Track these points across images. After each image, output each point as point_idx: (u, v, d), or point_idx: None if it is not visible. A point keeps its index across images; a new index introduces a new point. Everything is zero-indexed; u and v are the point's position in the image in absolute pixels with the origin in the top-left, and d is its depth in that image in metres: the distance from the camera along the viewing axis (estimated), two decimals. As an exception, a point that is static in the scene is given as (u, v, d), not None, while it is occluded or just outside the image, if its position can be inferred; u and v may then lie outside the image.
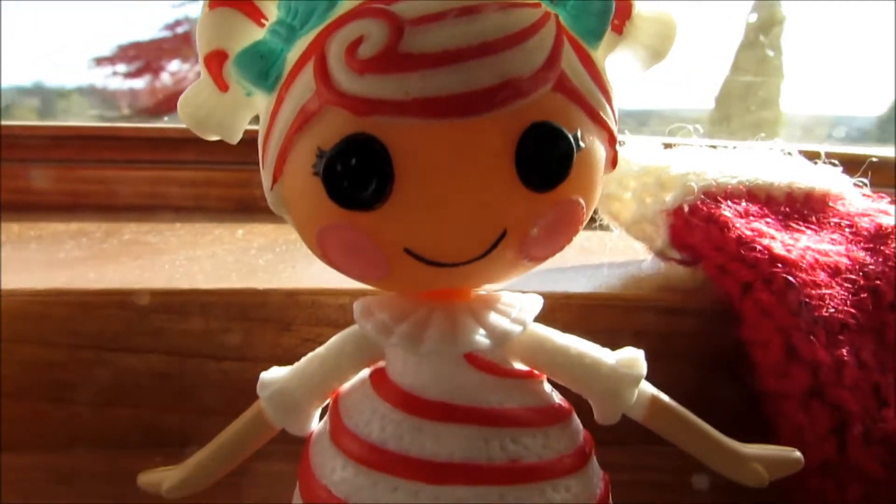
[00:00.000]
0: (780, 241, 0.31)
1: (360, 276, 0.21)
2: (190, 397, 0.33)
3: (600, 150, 0.20)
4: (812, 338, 0.28)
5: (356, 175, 0.18)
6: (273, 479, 0.28)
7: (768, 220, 0.33)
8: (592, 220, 0.21)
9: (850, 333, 0.29)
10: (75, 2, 0.63)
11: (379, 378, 0.22)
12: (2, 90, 0.60)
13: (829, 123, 0.68)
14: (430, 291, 0.22)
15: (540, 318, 0.22)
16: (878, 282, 0.31)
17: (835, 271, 0.30)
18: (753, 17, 0.66)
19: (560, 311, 0.32)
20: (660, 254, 0.35)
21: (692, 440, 0.23)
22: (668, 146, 0.37)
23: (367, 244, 0.19)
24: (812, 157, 0.37)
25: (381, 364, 0.23)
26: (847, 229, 0.34)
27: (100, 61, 0.69)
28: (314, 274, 0.32)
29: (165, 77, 0.72)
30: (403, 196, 0.18)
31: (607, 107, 0.20)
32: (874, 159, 0.38)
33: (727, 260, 0.30)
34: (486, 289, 0.22)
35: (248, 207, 0.50)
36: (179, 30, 0.71)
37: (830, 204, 0.35)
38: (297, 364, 0.24)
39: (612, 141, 0.21)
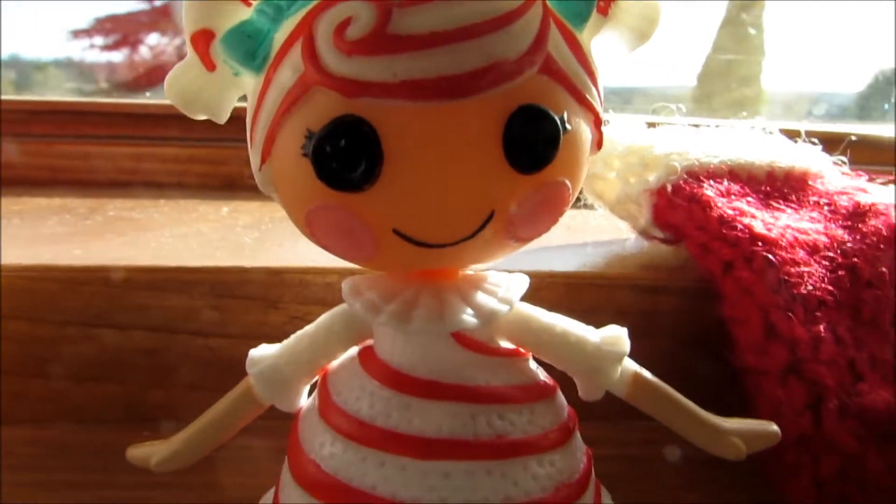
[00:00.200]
0: (761, 219, 0.31)
1: (348, 255, 0.21)
2: (176, 373, 0.33)
3: (586, 132, 0.20)
4: (790, 315, 0.29)
5: (345, 156, 0.18)
6: (260, 454, 0.28)
7: (749, 199, 0.33)
8: (577, 199, 0.21)
9: (828, 310, 0.30)
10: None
11: (367, 356, 0.22)
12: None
13: (811, 100, 0.68)
14: (417, 271, 0.22)
15: (525, 297, 0.22)
16: (855, 259, 0.31)
17: (813, 249, 0.31)
18: (735, -5, 0.66)
19: (545, 289, 0.32)
20: (643, 233, 0.35)
21: (673, 415, 0.23)
22: (651, 125, 0.38)
23: (355, 225, 0.19)
24: (793, 135, 0.38)
25: (369, 342, 0.23)
26: (826, 207, 0.34)
27: (77, 34, 0.68)
28: (301, 252, 0.32)
29: (144, 51, 0.71)
30: (392, 177, 0.18)
31: (593, 89, 0.20)
32: (853, 138, 0.38)
33: (709, 239, 0.31)
34: (472, 268, 0.23)
35: (233, 184, 0.50)
36: (157, 2, 0.70)
37: (810, 182, 0.36)
38: (285, 341, 0.24)
39: (597, 123, 0.21)
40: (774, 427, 0.24)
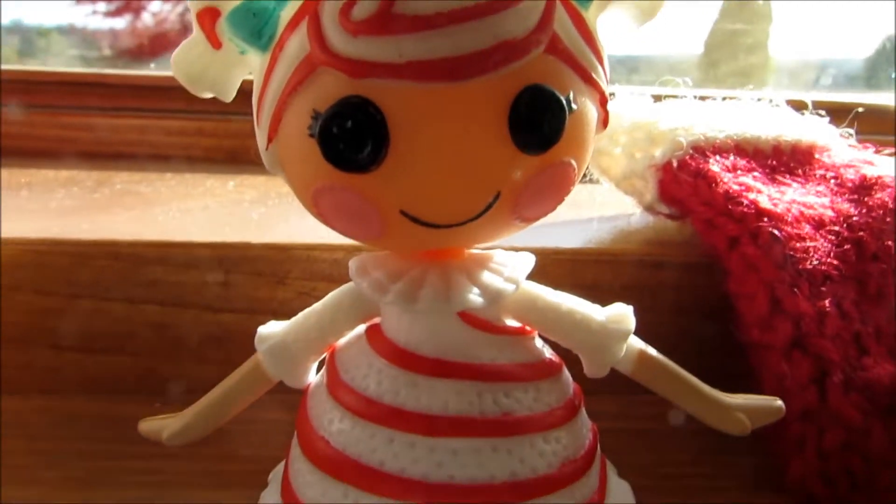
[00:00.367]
0: (767, 194, 0.31)
1: (355, 235, 0.21)
2: (186, 347, 0.33)
3: (592, 112, 0.20)
4: (795, 290, 0.29)
5: (352, 137, 0.18)
6: (270, 427, 0.28)
7: (755, 173, 0.33)
8: (583, 175, 0.21)
9: (833, 284, 0.30)
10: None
11: (374, 334, 0.23)
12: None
13: (818, 68, 0.67)
14: (424, 251, 0.22)
15: (531, 274, 0.22)
16: (861, 233, 0.31)
17: (819, 223, 0.31)
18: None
19: (550, 265, 0.32)
20: (649, 208, 0.35)
21: (678, 392, 0.24)
22: (657, 98, 0.37)
23: (362, 205, 0.19)
24: (799, 106, 0.37)
25: (376, 320, 0.23)
26: (832, 181, 0.34)
27: (79, 0, 0.68)
28: (308, 228, 0.33)
29: (147, 17, 0.71)
30: (399, 159, 0.18)
31: (599, 68, 0.20)
32: (860, 109, 0.38)
33: (715, 214, 0.31)
34: (478, 247, 0.23)
35: (239, 158, 0.50)
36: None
37: (816, 156, 0.35)
38: (294, 318, 0.24)
39: (603, 102, 0.21)
40: (779, 402, 0.24)
